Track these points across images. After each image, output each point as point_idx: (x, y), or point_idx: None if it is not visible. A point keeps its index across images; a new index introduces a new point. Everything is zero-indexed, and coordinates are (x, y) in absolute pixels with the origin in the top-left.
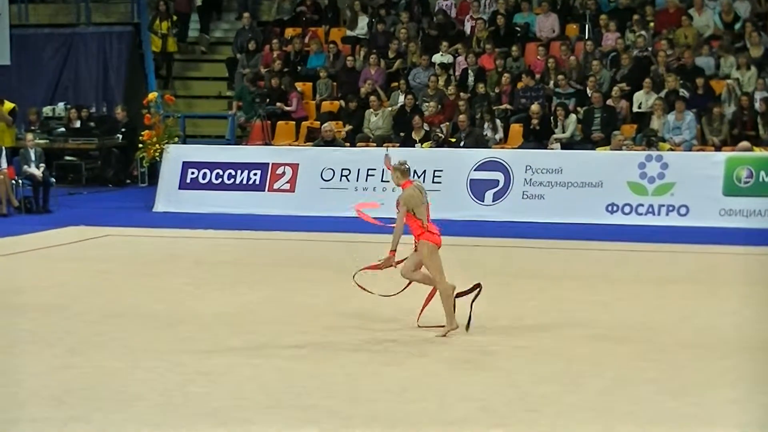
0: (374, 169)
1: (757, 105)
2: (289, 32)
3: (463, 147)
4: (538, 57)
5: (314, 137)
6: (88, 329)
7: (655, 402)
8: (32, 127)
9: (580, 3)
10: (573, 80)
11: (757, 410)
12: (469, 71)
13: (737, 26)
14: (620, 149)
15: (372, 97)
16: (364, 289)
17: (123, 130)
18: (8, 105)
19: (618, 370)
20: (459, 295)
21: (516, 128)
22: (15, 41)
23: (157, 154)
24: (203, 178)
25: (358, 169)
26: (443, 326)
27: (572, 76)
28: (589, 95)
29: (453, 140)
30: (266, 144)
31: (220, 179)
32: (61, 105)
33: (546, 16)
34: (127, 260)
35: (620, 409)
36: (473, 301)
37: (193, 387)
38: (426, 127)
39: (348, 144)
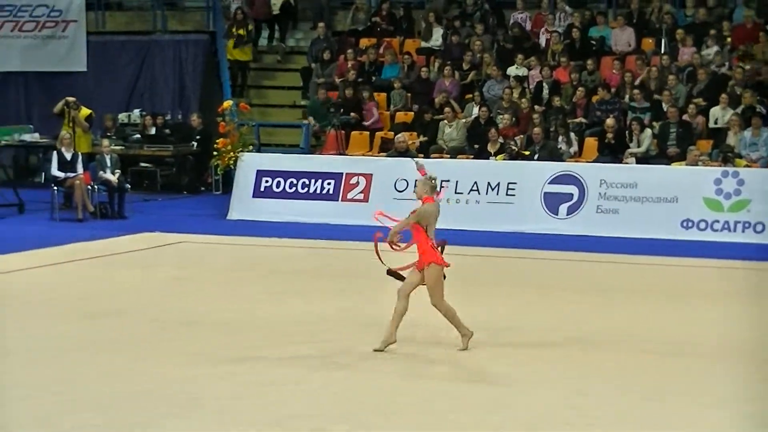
0: (447, 181)
1: None
2: (364, 42)
3: (537, 160)
4: (614, 71)
5: (387, 148)
6: (160, 335)
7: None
8: (108, 134)
9: (656, 17)
10: (648, 95)
11: None
12: (544, 84)
13: None
14: (696, 165)
15: (446, 109)
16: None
17: (198, 137)
18: (85, 111)
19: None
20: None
21: (590, 142)
22: (92, 48)
23: (232, 162)
24: (277, 187)
25: None
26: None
27: (648, 90)
28: (665, 110)
29: (527, 153)
30: (340, 154)
31: (293, 188)
32: (136, 112)
33: (622, 30)
34: (201, 268)
35: None
36: None
37: (265, 396)
38: (500, 139)
39: (421, 155)
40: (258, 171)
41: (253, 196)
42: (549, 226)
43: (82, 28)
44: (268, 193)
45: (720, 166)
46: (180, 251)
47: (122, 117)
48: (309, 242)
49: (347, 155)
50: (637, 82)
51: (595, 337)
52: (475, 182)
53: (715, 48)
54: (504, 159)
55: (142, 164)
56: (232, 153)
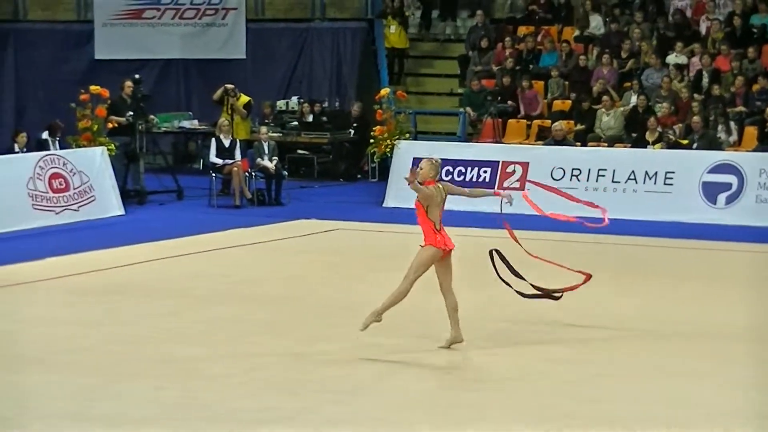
0: (605, 170)
1: None
2: (522, 30)
3: (696, 149)
4: None
5: (544, 136)
6: (319, 321)
7: None
8: (266, 121)
9: None
10: None
11: None
12: (704, 72)
13: None
14: None
15: (604, 97)
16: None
17: (355, 125)
18: (244, 98)
19: None
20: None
21: (750, 131)
22: (251, 35)
23: (388, 149)
24: None
25: (589, 169)
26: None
27: None
28: None
29: (685, 142)
30: (496, 142)
31: (449, 176)
32: (294, 99)
33: None
34: (357, 254)
35: None
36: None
37: (427, 382)
38: (659, 128)
39: (578, 143)
40: (414, 159)
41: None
42: (707, 216)
43: (241, 15)
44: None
45: None
46: (336, 238)
47: (280, 104)
48: (463, 230)
49: (504, 143)
50: None
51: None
52: (633, 171)
53: None
54: (662, 148)
55: (300, 151)
56: (388, 141)
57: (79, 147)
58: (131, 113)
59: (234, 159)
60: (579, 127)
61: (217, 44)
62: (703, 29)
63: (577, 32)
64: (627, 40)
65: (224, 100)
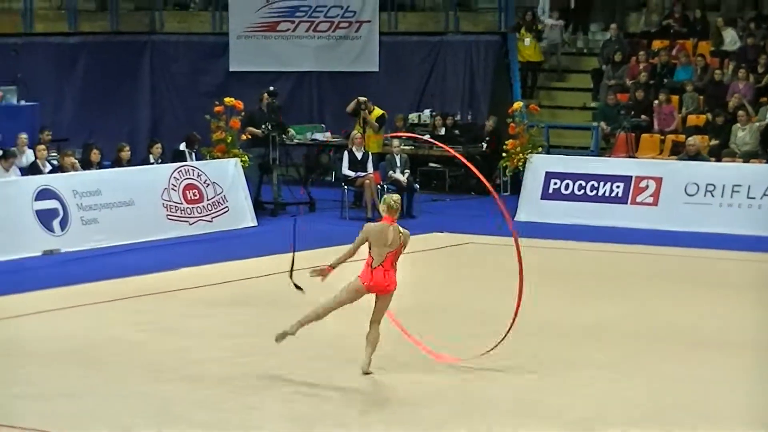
0: (740, 186)
1: None
2: (656, 44)
3: None
4: None
5: (678, 151)
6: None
7: None
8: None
9: None
10: None
11: None
12: None
13: None
14: None
15: (740, 112)
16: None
17: (487, 138)
18: (377, 111)
19: None
20: None
21: None
22: (384, 48)
23: (521, 163)
24: (565, 189)
25: (723, 185)
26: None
27: None
28: None
29: None
30: (630, 156)
31: (582, 190)
32: (426, 112)
33: None
34: (489, 268)
35: None
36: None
37: (551, 398)
38: None
39: (713, 159)
40: (547, 173)
41: (542, 198)
42: None
43: (374, 28)
44: (557, 195)
45: None
46: (468, 252)
47: (412, 117)
48: (597, 245)
49: (637, 158)
50: None
51: None
52: None
53: None
54: None
55: (431, 164)
56: (521, 154)
57: (213, 158)
58: (267, 125)
59: (366, 171)
60: (713, 142)
61: (351, 57)
62: None
63: (712, 47)
64: (763, 55)
65: (358, 113)
